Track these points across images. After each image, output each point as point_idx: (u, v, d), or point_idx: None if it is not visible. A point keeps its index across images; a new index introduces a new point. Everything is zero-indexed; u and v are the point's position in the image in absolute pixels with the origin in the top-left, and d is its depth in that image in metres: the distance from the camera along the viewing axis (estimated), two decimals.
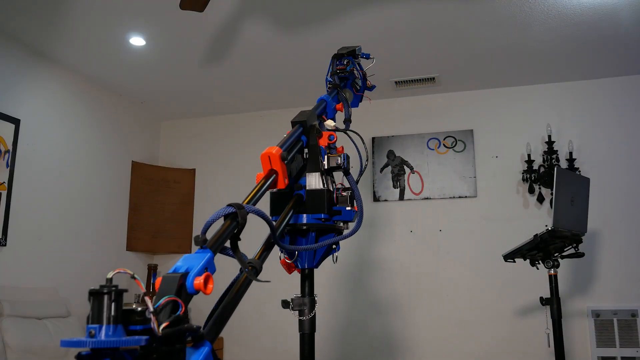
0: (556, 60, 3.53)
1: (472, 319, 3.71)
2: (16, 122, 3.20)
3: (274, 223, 1.02)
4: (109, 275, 0.59)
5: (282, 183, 1.14)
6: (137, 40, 3.25)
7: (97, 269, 3.80)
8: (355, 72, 1.76)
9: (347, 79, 1.73)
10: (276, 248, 1.39)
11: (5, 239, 3.08)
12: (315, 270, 1.32)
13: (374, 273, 3.97)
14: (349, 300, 3.98)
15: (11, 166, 3.16)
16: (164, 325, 0.60)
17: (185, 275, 0.70)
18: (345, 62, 1.76)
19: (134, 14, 2.95)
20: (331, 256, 1.36)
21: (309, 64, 3.56)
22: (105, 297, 0.57)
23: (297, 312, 1.27)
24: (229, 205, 0.89)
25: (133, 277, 0.62)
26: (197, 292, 0.70)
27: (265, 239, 1.08)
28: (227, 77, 3.81)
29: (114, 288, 0.58)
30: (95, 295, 0.57)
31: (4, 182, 3.11)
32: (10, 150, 3.16)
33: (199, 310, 4.00)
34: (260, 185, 1.07)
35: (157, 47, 3.36)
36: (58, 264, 3.45)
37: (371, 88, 1.91)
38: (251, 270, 0.94)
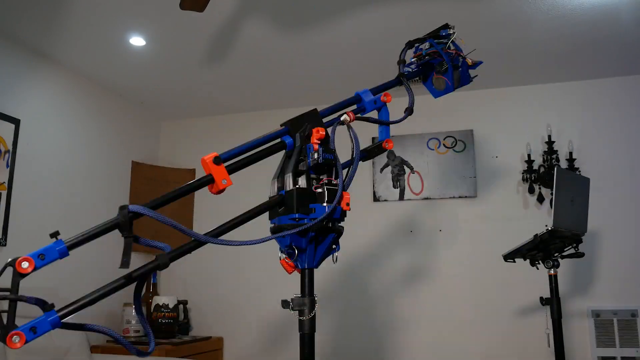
0: (556, 60, 3.52)
1: (472, 319, 3.71)
2: (16, 122, 3.20)
3: (168, 220, 1.12)
4: None
5: (217, 186, 1.21)
6: (137, 40, 3.25)
7: (97, 269, 3.80)
8: (440, 54, 1.76)
9: (431, 64, 1.73)
10: (276, 248, 1.39)
11: (5, 239, 3.08)
12: (315, 270, 1.32)
13: (374, 273, 3.97)
14: (348, 300, 3.98)
15: (11, 166, 3.16)
16: None
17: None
18: (421, 48, 1.75)
19: (134, 14, 2.95)
20: (331, 256, 1.36)
21: (310, 64, 3.56)
22: None
23: (297, 312, 1.27)
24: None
25: None
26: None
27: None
28: (227, 77, 3.81)
29: None
30: None
31: (4, 182, 3.11)
32: (10, 150, 3.16)
33: (198, 309, 3.99)
34: (184, 186, 1.19)
35: (157, 47, 3.35)
36: (58, 264, 3.43)
37: (475, 65, 1.81)
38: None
